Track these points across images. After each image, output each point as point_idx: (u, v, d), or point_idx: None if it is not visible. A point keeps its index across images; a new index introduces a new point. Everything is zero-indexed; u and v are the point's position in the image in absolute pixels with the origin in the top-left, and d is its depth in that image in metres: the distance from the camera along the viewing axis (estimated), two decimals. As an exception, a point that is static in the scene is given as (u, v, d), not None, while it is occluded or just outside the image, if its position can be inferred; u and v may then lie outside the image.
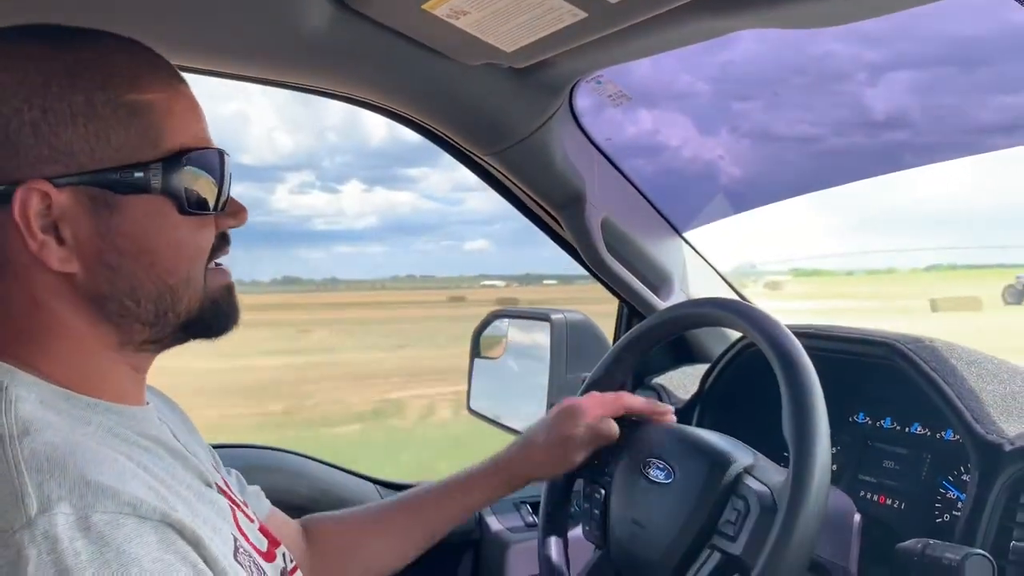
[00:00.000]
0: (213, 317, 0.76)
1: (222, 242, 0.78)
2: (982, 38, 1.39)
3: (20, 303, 0.69)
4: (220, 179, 0.75)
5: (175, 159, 0.71)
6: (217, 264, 0.78)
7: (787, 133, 1.77)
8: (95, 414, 0.68)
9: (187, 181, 0.71)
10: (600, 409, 1.14)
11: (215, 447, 0.92)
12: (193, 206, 0.72)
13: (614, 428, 1.12)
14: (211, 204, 0.74)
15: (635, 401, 1.16)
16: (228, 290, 0.78)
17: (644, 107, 1.68)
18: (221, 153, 0.76)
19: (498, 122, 1.32)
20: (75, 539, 0.55)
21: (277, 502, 1.07)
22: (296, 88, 1.32)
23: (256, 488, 1.03)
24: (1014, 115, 1.57)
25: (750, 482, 0.98)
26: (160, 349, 0.76)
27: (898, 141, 1.71)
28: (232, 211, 0.79)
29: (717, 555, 0.96)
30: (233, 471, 0.99)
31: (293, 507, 1.13)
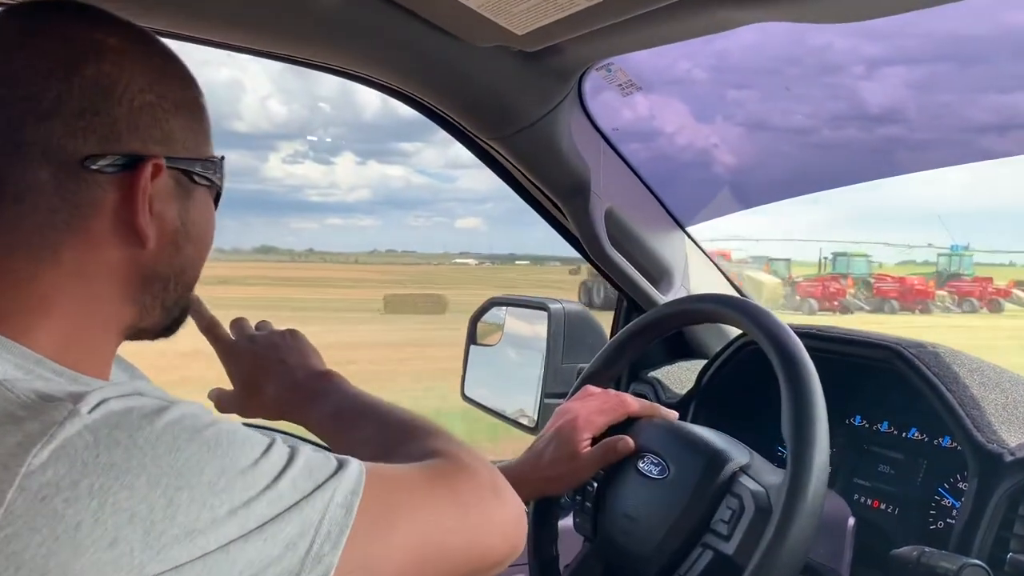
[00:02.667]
0: (183, 317, 0.81)
1: None
2: (979, 37, 1.38)
3: (69, 273, 0.69)
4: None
5: (222, 159, 0.79)
6: None
7: (781, 124, 1.76)
8: None
9: (222, 180, 0.80)
10: (602, 417, 1.13)
11: None
12: (216, 203, 0.80)
13: (630, 445, 1.10)
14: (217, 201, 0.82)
15: (635, 405, 1.15)
16: None
17: (642, 93, 1.67)
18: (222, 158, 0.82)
19: (506, 106, 1.30)
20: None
21: None
22: (304, 64, 1.30)
23: None
24: (1008, 115, 1.56)
25: (745, 481, 0.97)
26: (141, 338, 0.78)
27: (892, 136, 1.70)
28: None
29: (709, 553, 0.95)
30: None
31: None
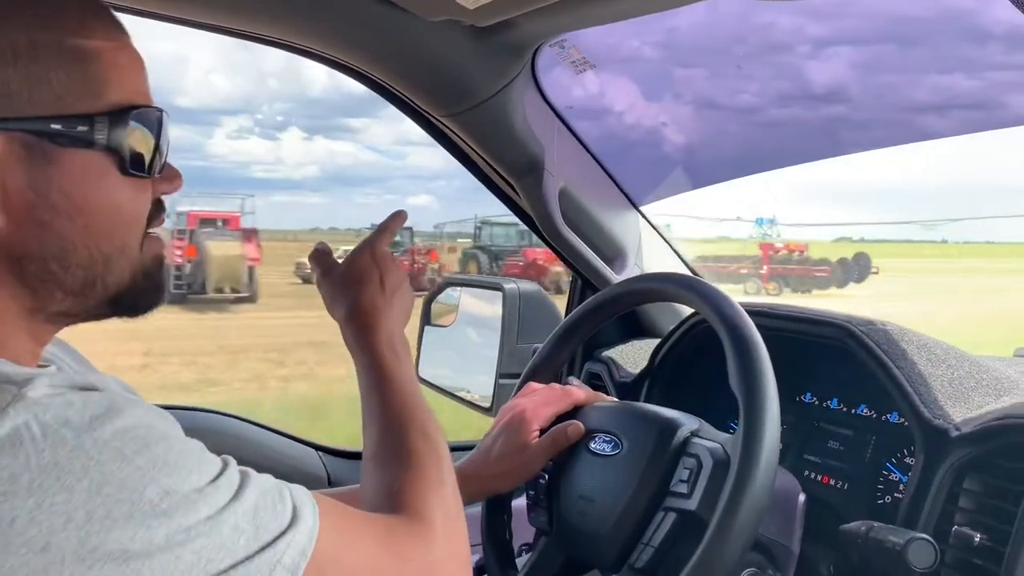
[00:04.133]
0: (143, 292, 0.73)
1: (157, 209, 0.74)
2: (920, 18, 1.40)
3: None
4: (159, 139, 0.71)
5: (120, 114, 0.67)
6: (150, 233, 0.73)
7: (729, 103, 1.76)
8: None
9: (131, 139, 0.67)
10: (548, 408, 1.12)
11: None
12: (134, 167, 0.68)
13: (580, 428, 1.09)
14: (151, 167, 0.70)
15: (580, 394, 1.15)
16: (160, 262, 0.74)
17: (594, 71, 1.66)
18: (163, 112, 0.72)
19: (457, 83, 1.27)
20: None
21: None
22: (250, 37, 1.26)
23: None
24: (947, 95, 1.59)
25: (699, 441, 0.98)
26: (73, 322, 0.71)
27: (836, 115, 1.72)
28: (168, 176, 0.75)
29: (672, 515, 0.95)
30: None
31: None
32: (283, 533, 0.60)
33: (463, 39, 1.20)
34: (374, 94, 1.38)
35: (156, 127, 0.70)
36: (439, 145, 1.48)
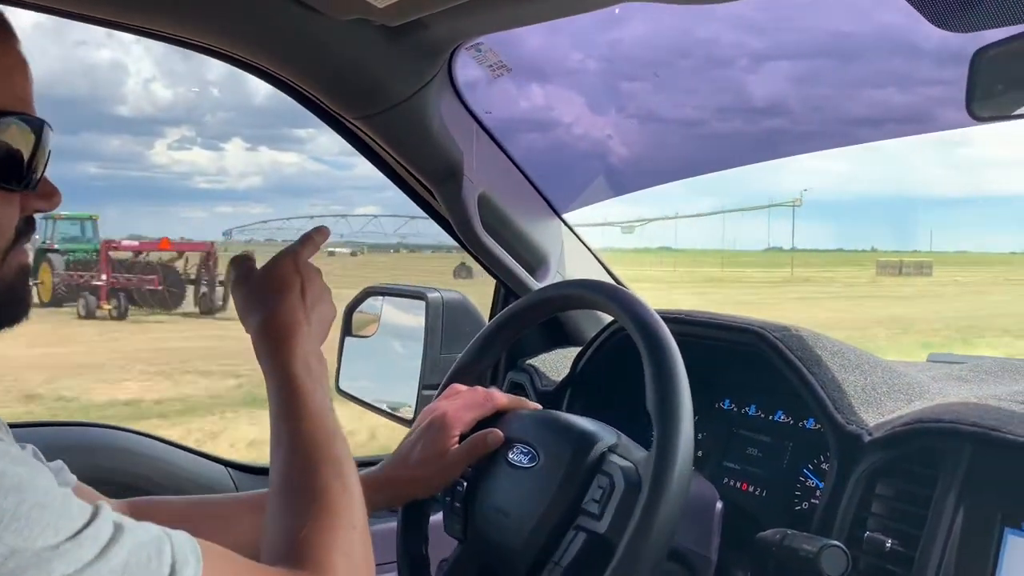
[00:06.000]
0: (4, 306, 0.69)
1: (27, 227, 0.69)
2: (856, 35, 1.42)
3: None
4: (36, 152, 0.66)
5: None
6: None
7: (671, 116, 1.77)
8: None
9: (2, 148, 0.63)
10: (470, 413, 1.09)
11: (18, 426, 0.82)
12: (2, 179, 0.64)
13: (499, 437, 1.06)
14: (21, 180, 0.66)
15: (503, 399, 1.12)
16: (24, 273, 0.70)
17: (535, 82, 1.65)
18: (44, 124, 0.68)
19: (370, 84, 1.24)
20: None
21: (105, 483, 0.96)
22: (153, 35, 1.20)
23: (58, 463, 0.92)
24: (882, 109, 1.63)
25: (615, 459, 0.96)
26: None
27: (776, 128, 1.75)
28: (45, 192, 0.70)
29: (582, 536, 0.93)
30: (29, 445, 0.86)
31: (130, 489, 1.04)
32: None
33: (374, 39, 1.17)
34: None
35: (35, 138, 0.66)
36: (364, 157, 1.44)
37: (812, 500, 1.16)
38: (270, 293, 0.87)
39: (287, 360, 0.83)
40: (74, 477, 0.94)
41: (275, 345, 0.84)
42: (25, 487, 0.52)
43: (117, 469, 1.33)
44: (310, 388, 0.82)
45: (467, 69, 1.37)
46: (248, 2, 1.08)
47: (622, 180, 1.91)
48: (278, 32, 1.14)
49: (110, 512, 0.57)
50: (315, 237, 0.94)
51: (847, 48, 1.49)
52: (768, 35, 1.49)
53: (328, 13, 1.09)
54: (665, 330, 0.96)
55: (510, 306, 1.21)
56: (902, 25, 1.31)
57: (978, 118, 0.89)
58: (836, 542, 0.91)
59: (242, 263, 0.92)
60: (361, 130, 1.34)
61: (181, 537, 0.60)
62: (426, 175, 1.42)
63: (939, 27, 0.88)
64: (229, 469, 1.51)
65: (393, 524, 1.17)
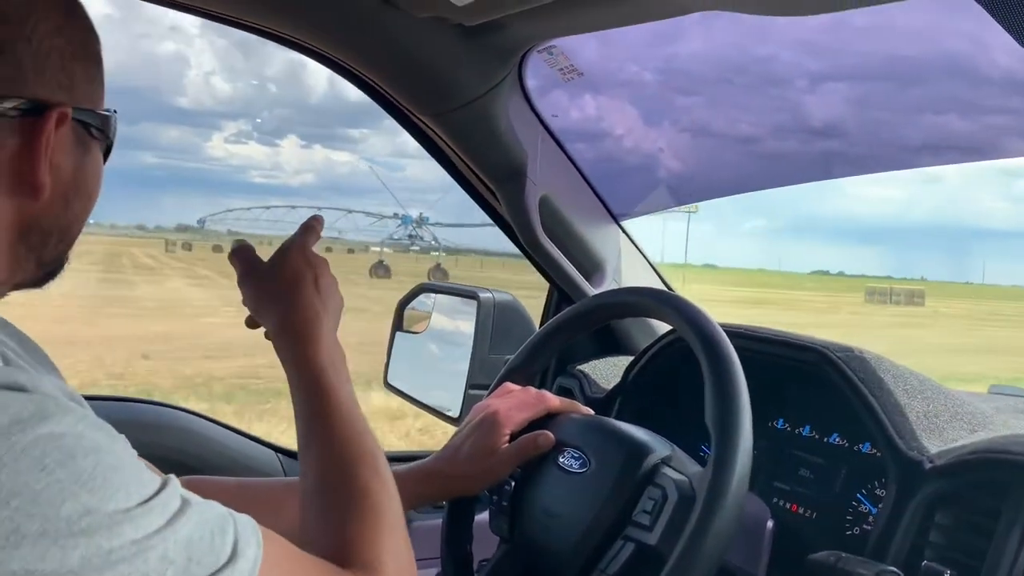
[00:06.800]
0: (57, 271, 0.75)
1: None
2: (916, 59, 1.40)
3: None
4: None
5: (114, 113, 0.73)
6: None
7: (726, 131, 1.76)
8: None
9: (113, 139, 0.74)
10: (522, 413, 1.09)
11: (92, 398, 0.84)
12: (105, 161, 0.75)
13: (550, 439, 1.06)
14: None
15: (555, 401, 1.12)
16: None
17: (589, 92, 1.65)
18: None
19: (442, 82, 1.25)
20: None
21: (157, 460, 0.98)
22: (232, 23, 1.23)
23: (122, 437, 0.94)
24: (941, 135, 1.60)
25: (668, 472, 0.95)
26: (7, 292, 0.72)
27: (832, 150, 1.73)
28: None
29: (631, 546, 0.92)
30: None
31: (182, 467, 1.05)
32: (218, 570, 0.56)
33: (450, 38, 1.18)
34: (374, 104, 1.36)
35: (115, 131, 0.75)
36: (421, 145, 1.45)
37: (864, 526, 1.13)
38: (284, 288, 0.85)
39: (313, 356, 0.81)
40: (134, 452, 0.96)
41: (298, 341, 0.82)
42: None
43: (170, 447, 1.36)
44: (337, 384, 0.81)
45: (536, 73, 1.38)
46: None
47: (680, 190, 1.90)
48: (356, 26, 1.16)
49: (178, 485, 0.58)
50: (315, 226, 0.92)
51: (907, 73, 1.47)
52: (827, 57, 1.48)
53: (407, 10, 1.11)
54: (728, 344, 0.95)
55: (567, 309, 1.21)
56: (966, 52, 1.29)
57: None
58: (892, 568, 0.90)
59: (244, 254, 0.90)
60: (430, 127, 1.36)
61: (244, 519, 0.61)
62: (490, 175, 1.43)
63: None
64: (279, 454, 1.53)
65: (438, 521, 1.17)
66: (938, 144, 1.61)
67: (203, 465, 1.39)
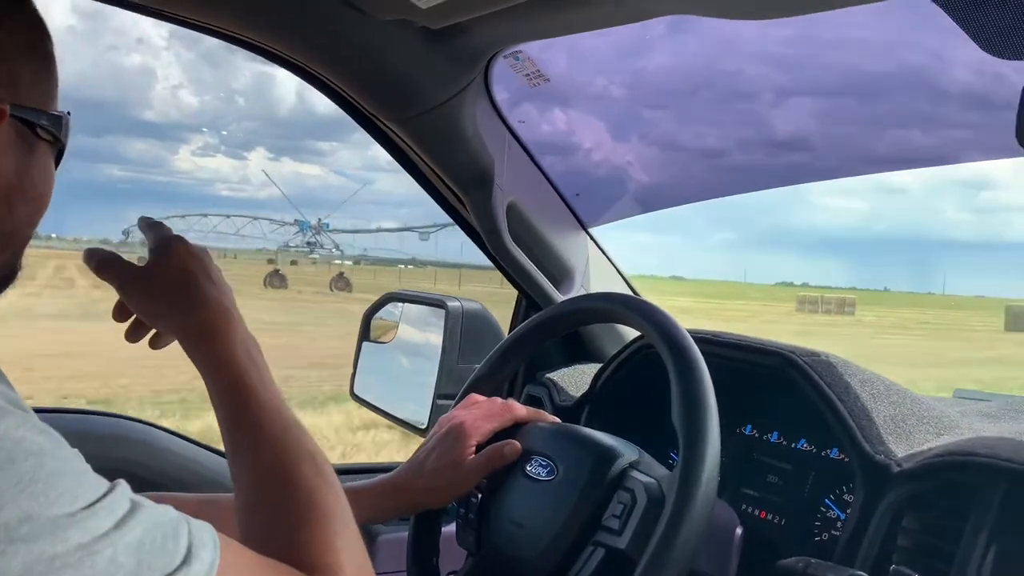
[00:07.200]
0: (10, 280, 0.72)
1: None
2: (879, 73, 1.42)
3: None
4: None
5: (67, 115, 0.71)
6: None
7: (693, 145, 1.77)
8: None
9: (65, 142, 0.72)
10: (488, 423, 1.08)
11: (45, 411, 0.81)
12: (58, 165, 0.72)
13: (517, 448, 1.04)
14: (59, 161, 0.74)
15: (522, 411, 1.11)
16: None
17: (558, 104, 1.65)
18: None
19: (408, 86, 1.23)
20: None
21: (121, 475, 0.95)
22: (195, 27, 1.20)
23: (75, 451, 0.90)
24: (905, 149, 1.62)
25: (636, 475, 0.95)
26: None
27: (798, 163, 1.74)
28: None
29: (601, 551, 0.91)
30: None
31: (143, 482, 1.02)
32: (170, 574, 0.54)
33: (415, 41, 1.17)
34: (344, 117, 1.34)
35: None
36: (397, 162, 1.43)
37: (833, 531, 1.13)
38: (179, 286, 0.79)
39: (230, 353, 0.76)
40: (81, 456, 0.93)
41: (209, 340, 0.76)
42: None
43: (132, 460, 1.32)
44: (259, 379, 0.75)
45: (506, 83, 1.37)
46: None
47: (648, 199, 1.91)
48: (319, 30, 1.14)
49: (127, 489, 0.57)
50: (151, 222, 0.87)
51: (871, 86, 1.49)
52: (793, 71, 1.49)
53: (371, 13, 1.09)
54: (695, 349, 0.95)
55: (534, 316, 1.20)
56: (928, 66, 1.31)
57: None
58: (862, 572, 0.89)
59: (111, 263, 0.82)
60: (395, 133, 1.34)
61: (200, 524, 0.59)
62: (457, 181, 1.41)
63: (992, 54, 0.86)
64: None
65: (404, 534, 1.15)
66: (903, 158, 1.64)
67: (165, 480, 1.35)
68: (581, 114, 1.71)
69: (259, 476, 0.71)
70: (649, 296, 1.25)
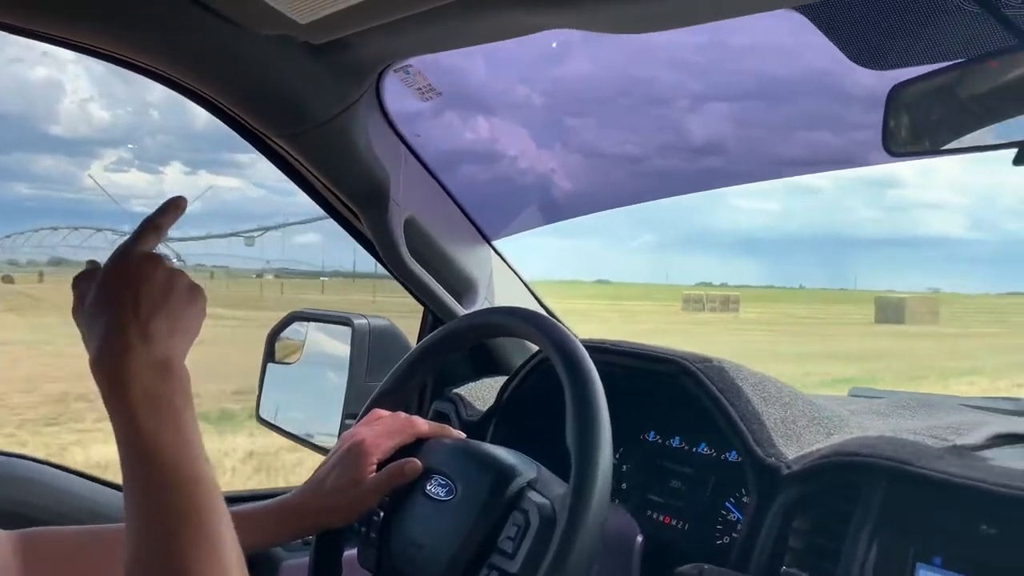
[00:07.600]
0: None
1: None
2: (785, 78, 1.45)
3: None
4: None
5: None
6: None
7: (613, 151, 1.79)
8: None
9: None
10: (390, 440, 1.05)
11: None
12: None
13: (417, 467, 1.02)
14: None
15: (424, 426, 1.09)
16: None
17: (476, 113, 1.65)
18: None
19: (292, 102, 1.20)
20: None
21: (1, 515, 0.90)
22: (70, 46, 1.15)
23: None
24: (813, 150, 1.66)
25: (532, 496, 0.93)
26: None
27: (714, 167, 1.77)
28: None
29: (495, 574, 0.90)
30: None
31: (24, 520, 0.97)
32: None
33: (298, 56, 1.14)
34: None
35: None
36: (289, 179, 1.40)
37: (733, 534, 1.14)
38: (99, 311, 0.71)
39: (123, 399, 0.68)
40: None
41: (107, 384, 0.68)
42: None
43: (11, 499, 1.25)
44: (158, 434, 0.67)
45: (401, 94, 1.35)
46: (167, 15, 1.04)
47: (557, 207, 1.91)
48: (199, 46, 1.11)
49: None
50: (159, 220, 0.76)
51: (779, 91, 1.52)
52: (705, 77, 1.51)
53: (249, 28, 1.06)
54: (586, 358, 0.94)
55: (434, 332, 1.18)
56: (832, 70, 1.35)
57: (894, 154, 0.90)
58: (752, 577, 0.90)
59: (84, 280, 0.75)
60: (285, 149, 1.31)
61: None
62: (351, 197, 1.38)
63: (860, 65, 0.89)
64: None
65: (305, 559, 1.12)
66: (812, 159, 1.68)
67: (47, 515, 1.28)
68: (504, 121, 1.70)
69: (145, 545, 0.67)
70: (560, 301, 1.25)
